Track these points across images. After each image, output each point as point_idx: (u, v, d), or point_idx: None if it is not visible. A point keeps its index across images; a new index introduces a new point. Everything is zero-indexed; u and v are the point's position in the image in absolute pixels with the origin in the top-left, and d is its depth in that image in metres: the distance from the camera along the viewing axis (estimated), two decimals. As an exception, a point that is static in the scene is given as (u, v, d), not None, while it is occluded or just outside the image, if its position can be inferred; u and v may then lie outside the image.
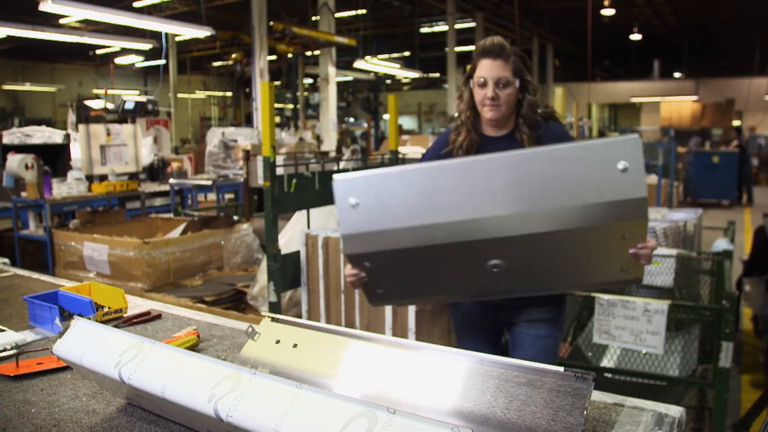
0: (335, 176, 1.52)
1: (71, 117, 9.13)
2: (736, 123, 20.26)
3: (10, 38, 13.65)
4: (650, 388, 3.16)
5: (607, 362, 3.33)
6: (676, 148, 11.32)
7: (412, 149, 10.03)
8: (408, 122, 29.62)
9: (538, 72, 22.73)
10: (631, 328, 2.81)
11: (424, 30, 19.24)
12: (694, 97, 21.48)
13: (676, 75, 24.57)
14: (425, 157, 2.21)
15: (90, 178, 6.12)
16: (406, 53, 22.30)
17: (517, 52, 2.01)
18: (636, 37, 19.64)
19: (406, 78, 24.48)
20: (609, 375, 3.15)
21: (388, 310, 3.28)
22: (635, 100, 24.20)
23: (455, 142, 2.08)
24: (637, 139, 1.31)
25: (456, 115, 2.13)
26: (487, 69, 1.98)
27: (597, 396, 1.20)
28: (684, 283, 3.60)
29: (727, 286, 3.14)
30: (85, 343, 1.17)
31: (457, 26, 17.83)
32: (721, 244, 4.37)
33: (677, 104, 20.66)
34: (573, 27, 18.87)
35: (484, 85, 1.98)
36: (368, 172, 1.52)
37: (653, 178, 10.46)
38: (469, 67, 2.06)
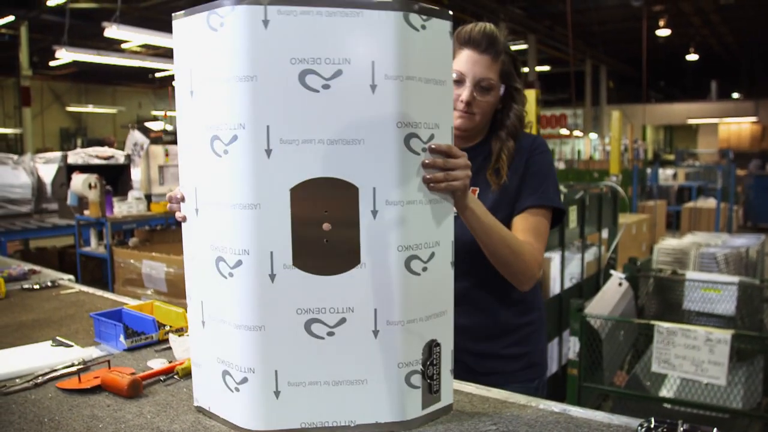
0: None
1: (131, 138, 9.43)
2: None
3: (75, 63, 14.29)
4: (712, 420, 3.05)
5: (666, 392, 3.23)
6: (736, 171, 11.01)
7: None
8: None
9: (592, 94, 22.48)
10: (692, 357, 2.73)
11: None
12: (754, 118, 20.90)
13: (735, 95, 23.96)
14: None
15: (149, 198, 6.29)
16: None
17: (509, 51, 1.62)
18: (692, 57, 19.27)
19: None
20: (668, 405, 3.05)
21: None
22: (692, 121, 23.69)
23: None
24: None
25: None
26: (467, 63, 1.54)
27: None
28: (746, 312, 3.48)
29: (793, 315, 3.02)
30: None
31: (511, 48, 17.75)
32: (786, 271, 4.21)
33: (736, 125, 20.12)
34: (627, 48, 18.67)
35: (459, 82, 1.54)
36: None
37: (711, 202, 10.19)
38: None
